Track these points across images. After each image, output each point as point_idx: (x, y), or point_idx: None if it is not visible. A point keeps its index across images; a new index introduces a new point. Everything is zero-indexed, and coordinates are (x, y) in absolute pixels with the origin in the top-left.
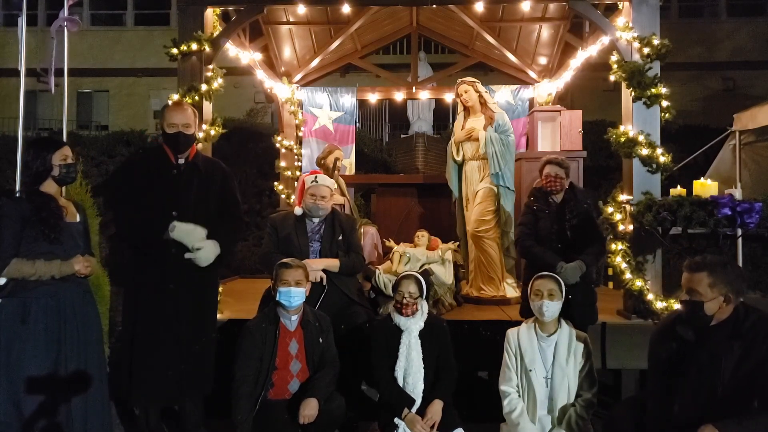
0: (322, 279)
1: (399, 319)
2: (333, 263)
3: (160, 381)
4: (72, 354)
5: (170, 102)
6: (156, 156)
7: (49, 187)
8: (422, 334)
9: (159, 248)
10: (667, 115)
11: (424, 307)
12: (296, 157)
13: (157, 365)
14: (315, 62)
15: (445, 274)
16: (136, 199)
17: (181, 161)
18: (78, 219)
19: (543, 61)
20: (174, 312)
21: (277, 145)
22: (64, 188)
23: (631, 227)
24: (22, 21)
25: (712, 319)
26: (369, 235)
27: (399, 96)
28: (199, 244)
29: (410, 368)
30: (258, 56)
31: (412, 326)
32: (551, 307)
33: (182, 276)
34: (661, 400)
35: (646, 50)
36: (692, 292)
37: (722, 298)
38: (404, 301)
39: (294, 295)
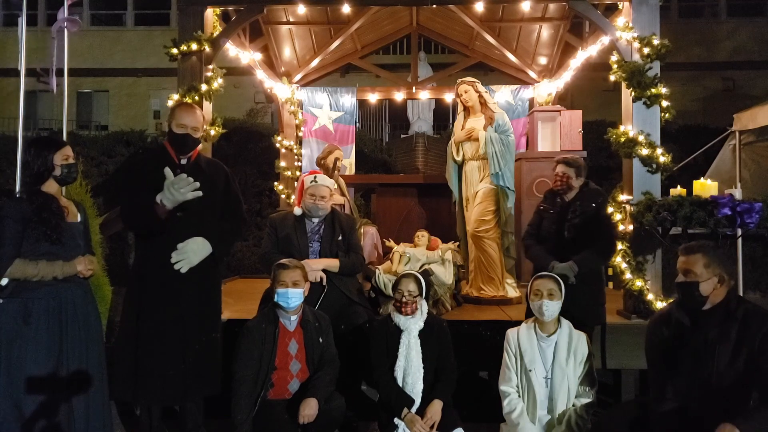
0: (321, 279)
1: (399, 318)
2: (333, 263)
3: (163, 381)
4: (74, 354)
5: (170, 101)
6: (158, 156)
7: (50, 186)
8: (422, 334)
9: (164, 228)
10: (667, 115)
11: (423, 306)
12: (296, 157)
13: (161, 365)
14: (315, 62)
15: (445, 274)
16: (140, 197)
17: (184, 161)
18: (79, 219)
19: (543, 61)
20: (178, 312)
21: (277, 145)
22: (64, 188)
23: (631, 227)
24: (22, 21)
25: (706, 300)
26: (369, 235)
27: (399, 96)
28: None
29: (409, 368)
30: (258, 56)
31: (411, 326)
32: (551, 307)
33: (186, 276)
34: (660, 389)
35: (646, 50)
36: (688, 273)
37: (716, 278)
38: (403, 299)
39: (291, 296)
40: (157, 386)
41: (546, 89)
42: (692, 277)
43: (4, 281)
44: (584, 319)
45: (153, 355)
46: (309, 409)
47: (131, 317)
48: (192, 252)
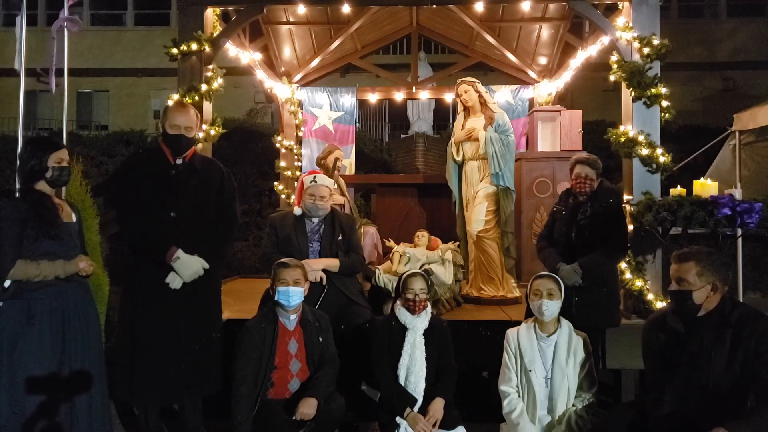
0: (321, 279)
1: (407, 317)
2: (333, 263)
3: (159, 381)
4: (76, 354)
5: (170, 101)
6: (154, 156)
7: (43, 186)
8: (425, 333)
9: (160, 255)
10: (667, 115)
11: (428, 306)
12: (296, 157)
13: (157, 365)
14: (315, 62)
15: (445, 274)
16: (135, 201)
17: (179, 161)
18: (74, 219)
19: (543, 61)
20: (174, 312)
21: (277, 145)
22: (63, 188)
23: (631, 227)
24: (22, 21)
25: (700, 308)
26: (369, 235)
27: (399, 96)
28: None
29: (413, 366)
30: (258, 56)
31: (418, 324)
32: (550, 307)
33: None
34: (656, 393)
35: (646, 50)
36: (681, 282)
37: (710, 286)
38: (416, 299)
39: (292, 295)
40: (153, 387)
41: (546, 89)
42: (685, 285)
43: (6, 283)
44: (600, 322)
45: (149, 356)
46: (307, 408)
47: (128, 318)
48: (183, 267)
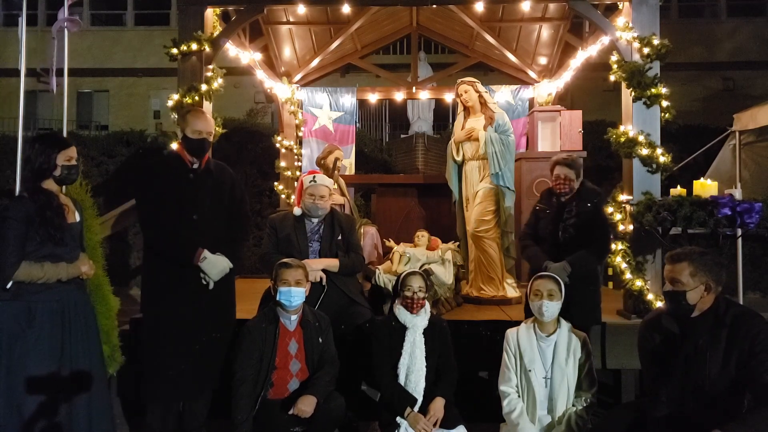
0: (321, 279)
1: (406, 316)
2: (332, 263)
3: (179, 379)
4: (76, 355)
5: (170, 101)
6: (171, 161)
7: (50, 184)
8: (424, 333)
9: (187, 257)
10: (667, 115)
11: (427, 305)
12: (296, 157)
13: (180, 364)
14: (315, 62)
15: (445, 274)
16: (159, 206)
17: (196, 165)
18: (77, 219)
19: (543, 61)
20: (193, 313)
21: (277, 145)
22: (64, 186)
23: (631, 227)
24: (22, 21)
25: (694, 308)
26: (369, 235)
27: (399, 96)
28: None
29: (413, 366)
30: (258, 56)
31: (418, 323)
32: (551, 308)
33: (200, 277)
34: (654, 394)
35: (646, 50)
36: (675, 282)
37: (703, 287)
38: (415, 297)
39: (294, 295)
40: (174, 385)
41: (546, 89)
42: (679, 286)
43: (9, 283)
44: (582, 320)
45: (173, 355)
46: (305, 405)
47: (151, 319)
48: (211, 267)
